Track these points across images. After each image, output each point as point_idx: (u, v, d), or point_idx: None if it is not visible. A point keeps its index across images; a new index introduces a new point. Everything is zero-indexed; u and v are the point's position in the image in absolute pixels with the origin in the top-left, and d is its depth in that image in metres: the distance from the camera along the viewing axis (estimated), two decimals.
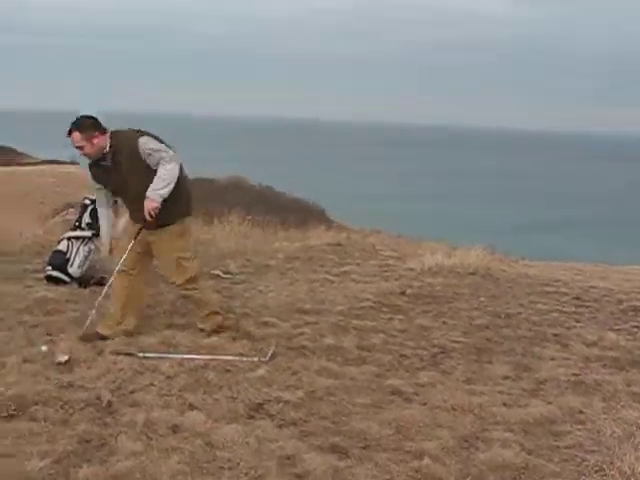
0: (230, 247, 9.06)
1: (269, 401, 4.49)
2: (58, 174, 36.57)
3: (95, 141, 5.37)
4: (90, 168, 5.64)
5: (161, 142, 5.42)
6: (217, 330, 5.69)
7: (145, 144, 5.31)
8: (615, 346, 5.90)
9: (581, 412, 4.58)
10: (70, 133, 5.40)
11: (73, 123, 5.40)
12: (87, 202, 6.92)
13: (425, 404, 4.58)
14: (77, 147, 5.45)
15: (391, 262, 8.82)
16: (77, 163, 35.34)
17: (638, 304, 7.23)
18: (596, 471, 3.80)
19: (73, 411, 4.21)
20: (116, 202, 5.79)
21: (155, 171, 5.31)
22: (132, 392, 4.52)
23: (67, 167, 41.10)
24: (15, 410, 4.18)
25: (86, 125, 5.39)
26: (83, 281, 6.72)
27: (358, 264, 8.64)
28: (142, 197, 5.31)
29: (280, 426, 4.18)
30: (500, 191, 72.38)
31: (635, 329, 6.42)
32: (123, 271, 5.57)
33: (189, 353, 5.23)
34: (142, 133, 5.43)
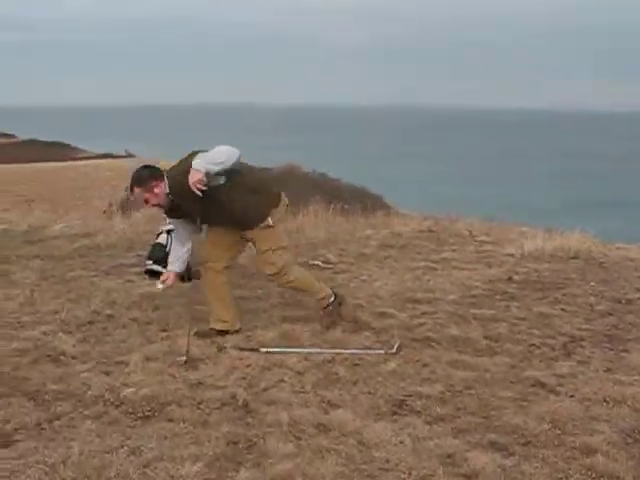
0: (320, 236, 8.85)
1: (410, 396, 4.28)
2: (114, 167, 36.70)
3: (156, 190, 5.12)
4: (166, 212, 5.43)
5: None
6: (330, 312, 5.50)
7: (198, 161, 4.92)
8: None
9: None
10: (132, 190, 5.18)
11: (132, 179, 5.16)
12: None
13: (573, 396, 4.32)
14: (143, 201, 5.23)
15: (488, 247, 8.52)
16: (133, 156, 35.47)
17: None
18: None
19: (210, 411, 4.04)
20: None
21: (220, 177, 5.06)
22: (265, 389, 4.33)
23: (123, 160, 41.34)
24: (150, 411, 4.03)
25: (143, 177, 5.14)
26: (183, 275, 6.54)
27: (454, 250, 8.35)
28: (225, 213, 5.19)
29: (429, 423, 3.95)
30: (528, 173, 71.09)
31: None
32: (210, 268, 5.44)
33: (312, 347, 5.04)
34: (192, 155, 5.03)
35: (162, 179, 5.13)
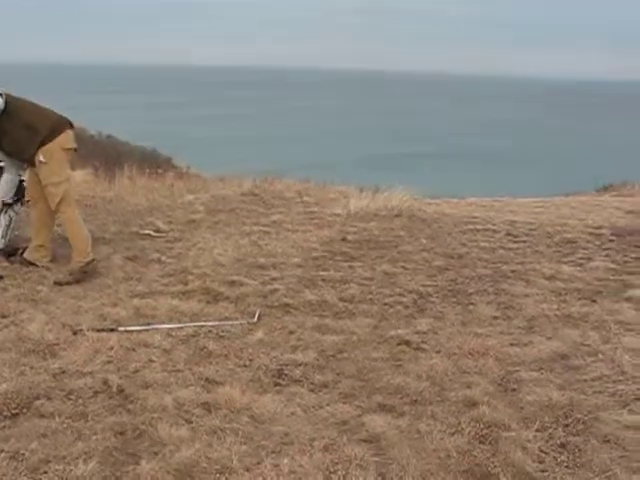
0: (142, 203, 8.44)
1: (286, 365, 4.22)
2: None
3: None
4: None
5: None
6: (80, 271, 5.73)
7: None
8: (573, 278, 6.07)
9: (584, 344, 4.65)
10: None
11: None
12: None
13: (439, 352, 4.48)
14: None
15: (315, 209, 8.58)
16: None
17: (569, 236, 7.47)
18: (637, 399, 3.87)
19: (83, 401, 3.70)
20: None
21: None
22: (136, 372, 4.06)
23: None
24: (17, 408, 3.61)
25: None
26: (9, 252, 5.99)
27: (282, 212, 8.31)
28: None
29: (313, 390, 3.93)
30: (339, 128, 73.60)
31: (581, 260, 6.63)
32: (28, 201, 6.10)
33: (171, 322, 4.81)
34: None
35: None
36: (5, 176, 6.01)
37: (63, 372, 4.03)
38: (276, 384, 4.00)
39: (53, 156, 5.74)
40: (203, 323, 4.80)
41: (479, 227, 7.90)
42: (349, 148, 58.83)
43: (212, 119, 77.95)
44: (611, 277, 6.12)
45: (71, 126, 5.97)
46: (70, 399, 3.73)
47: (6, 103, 5.63)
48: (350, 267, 6.23)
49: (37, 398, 3.71)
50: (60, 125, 5.85)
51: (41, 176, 5.78)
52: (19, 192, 6.10)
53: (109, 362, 4.18)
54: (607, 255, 6.85)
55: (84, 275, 5.74)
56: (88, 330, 4.57)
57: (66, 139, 5.85)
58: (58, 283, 5.53)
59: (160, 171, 10.44)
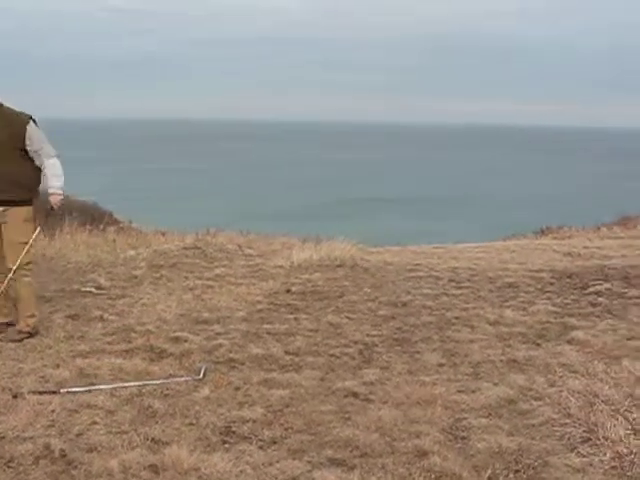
0: (84, 260, 8.32)
1: (234, 422, 4.15)
2: None
3: None
4: None
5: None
6: (30, 333, 5.63)
7: (34, 131, 5.48)
8: (516, 322, 6.15)
9: (530, 389, 4.69)
10: None
11: None
12: None
13: (387, 402, 4.47)
14: None
15: (258, 261, 8.56)
16: None
17: (510, 280, 7.59)
18: (584, 441, 3.89)
19: (24, 468, 3.57)
20: None
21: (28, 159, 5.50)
22: (79, 435, 3.94)
23: None
24: None
25: None
26: None
27: (225, 266, 8.28)
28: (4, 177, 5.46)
29: (262, 447, 3.86)
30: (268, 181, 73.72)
31: (523, 304, 6.72)
32: None
33: (115, 382, 4.70)
34: (33, 119, 5.53)
35: None
36: None
37: (3, 438, 3.89)
38: (224, 442, 3.93)
39: (34, 216, 5.70)
40: (147, 382, 4.71)
41: (422, 274, 7.97)
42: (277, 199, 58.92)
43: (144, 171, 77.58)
44: (553, 320, 6.22)
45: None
46: (10, 467, 3.60)
47: None
48: (295, 319, 6.22)
49: None
50: None
51: (22, 232, 5.60)
52: None
53: (51, 426, 4.05)
54: (548, 298, 6.97)
55: (30, 336, 5.63)
56: (29, 393, 4.44)
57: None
58: (13, 340, 5.51)
59: (101, 227, 10.31)
